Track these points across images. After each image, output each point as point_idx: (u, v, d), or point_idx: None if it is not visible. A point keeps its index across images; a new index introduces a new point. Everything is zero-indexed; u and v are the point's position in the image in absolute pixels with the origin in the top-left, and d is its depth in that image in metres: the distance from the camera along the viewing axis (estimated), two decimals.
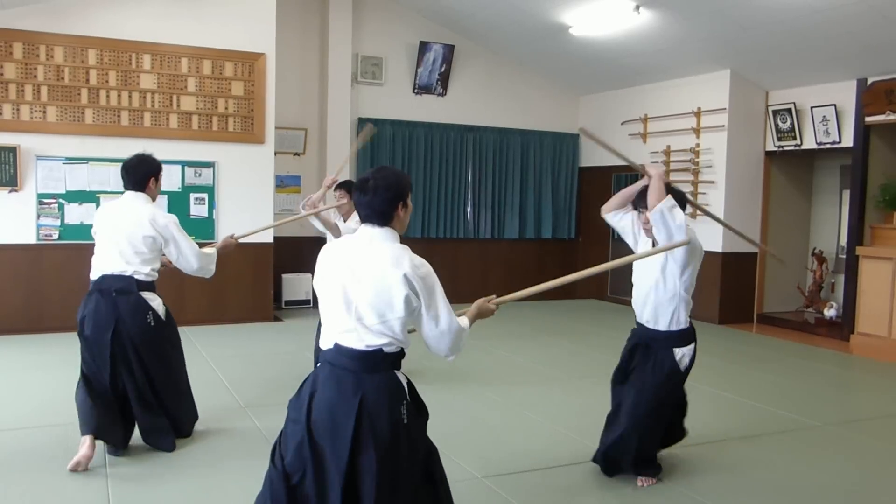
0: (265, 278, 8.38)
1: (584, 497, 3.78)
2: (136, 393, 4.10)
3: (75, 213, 7.57)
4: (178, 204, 7.83)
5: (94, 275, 4.13)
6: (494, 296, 2.99)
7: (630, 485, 3.91)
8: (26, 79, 7.36)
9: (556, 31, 8.85)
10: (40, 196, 7.46)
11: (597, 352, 7.35)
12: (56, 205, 7.52)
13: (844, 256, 8.42)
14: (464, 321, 2.77)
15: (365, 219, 2.68)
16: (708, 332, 8.51)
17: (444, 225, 10.14)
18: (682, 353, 3.82)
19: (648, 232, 3.82)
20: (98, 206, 7.62)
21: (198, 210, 7.96)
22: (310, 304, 9.41)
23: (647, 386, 3.82)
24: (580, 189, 11.20)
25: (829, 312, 8.65)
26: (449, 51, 9.96)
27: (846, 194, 8.61)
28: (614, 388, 4.12)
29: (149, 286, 4.16)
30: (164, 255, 4.25)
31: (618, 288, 10.83)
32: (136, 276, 4.08)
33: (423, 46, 9.82)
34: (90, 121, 7.58)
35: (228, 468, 4.02)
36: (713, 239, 9.16)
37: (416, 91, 10.02)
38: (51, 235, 7.51)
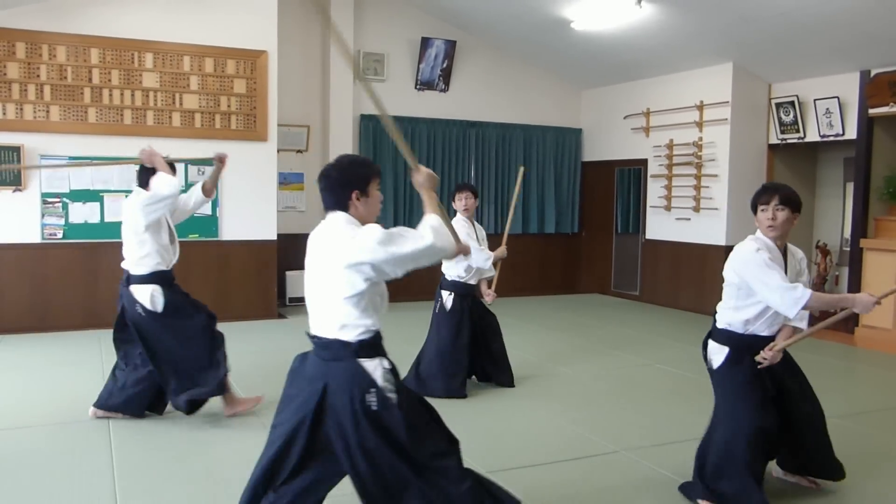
0: (269, 275, 8.40)
1: (589, 492, 3.79)
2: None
3: (79, 213, 7.59)
4: None
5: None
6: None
7: (632, 479, 3.92)
8: (29, 78, 7.37)
9: (558, 25, 8.83)
10: (44, 195, 7.48)
11: (601, 346, 7.35)
12: (60, 204, 7.54)
13: (848, 249, 8.40)
14: (428, 223, 2.71)
15: (324, 206, 2.76)
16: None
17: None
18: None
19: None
20: (102, 205, 7.66)
21: (201, 208, 7.95)
22: None
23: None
24: (583, 183, 11.19)
25: None
26: (451, 46, 9.95)
27: (850, 187, 8.59)
28: None
29: (141, 279, 4.47)
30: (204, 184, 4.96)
31: (621, 282, 10.83)
32: (129, 270, 4.51)
33: (425, 42, 9.81)
34: (93, 120, 7.60)
35: (236, 466, 4.04)
36: (717, 233, 9.16)
37: (418, 87, 10.01)
38: (55, 235, 7.52)
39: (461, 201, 5.55)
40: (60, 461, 4.02)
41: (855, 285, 7.94)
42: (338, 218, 2.69)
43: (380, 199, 2.82)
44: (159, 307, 4.46)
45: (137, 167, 4.68)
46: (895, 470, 4.16)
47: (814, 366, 6.65)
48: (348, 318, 2.62)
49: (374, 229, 2.60)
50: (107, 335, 7.30)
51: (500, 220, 10.58)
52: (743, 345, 3.55)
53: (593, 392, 5.67)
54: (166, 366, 4.52)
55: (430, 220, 2.72)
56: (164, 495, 3.63)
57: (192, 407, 4.62)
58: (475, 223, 5.66)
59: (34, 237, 7.47)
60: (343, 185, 2.71)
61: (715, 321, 3.68)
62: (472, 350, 5.53)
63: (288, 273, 9.27)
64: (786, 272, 3.47)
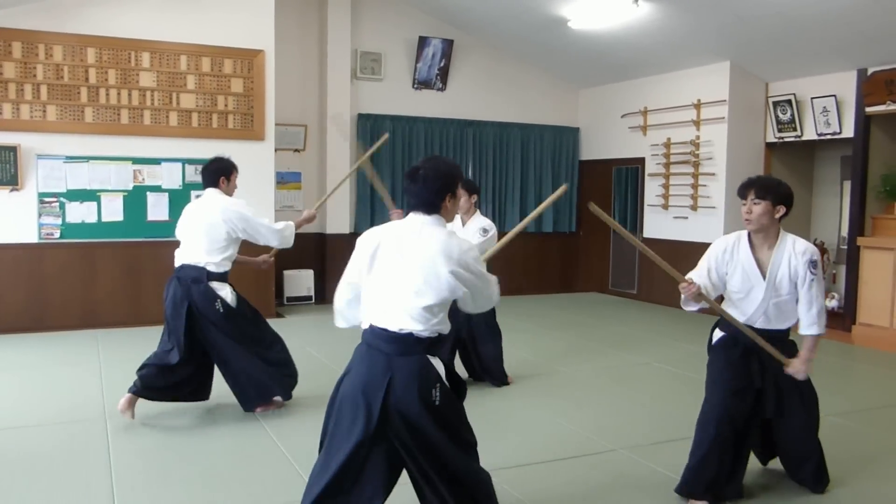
0: (267, 274, 8.38)
1: (589, 491, 3.79)
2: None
3: (76, 212, 7.58)
4: (179, 201, 7.82)
5: (176, 263, 4.70)
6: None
7: (631, 477, 3.92)
8: (26, 78, 7.36)
9: (555, 24, 8.83)
10: (41, 195, 7.47)
11: (599, 344, 7.36)
12: (57, 204, 7.52)
13: (846, 247, 8.41)
14: (494, 280, 2.88)
15: (413, 207, 2.78)
16: (710, 324, 8.51)
17: None
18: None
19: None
20: (99, 204, 7.65)
21: None
22: (311, 301, 9.42)
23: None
24: (580, 182, 11.20)
25: (831, 303, 8.65)
26: (448, 45, 9.95)
27: (847, 185, 8.60)
28: None
29: (220, 276, 4.64)
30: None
31: (618, 281, 10.84)
32: (207, 268, 4.58)
33: (422, 41, 9.81)
34: (90, 119, 7.58)
35: (235, 466, 4.04)
36: (714, 231, 9.16)
37: (415, 86, 10.01)
38: (52, 234, 7.51)
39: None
40: (58, 461, 4.02)
41: (852, 283, 7.95)
42: (433, 221, 2.75)
43: (460, 199, 2.97)
44: (234, 304, 4.68)
45: (201, 167, 4.92)
46: (893, 467, 4.17)
47: (812, 364, 6.68)
48: (429, 316, 2.67)
49: (475, 248, 2.77)
50: (104, 334, 7.35)
51: (499, 219, 10.57)
52: (735, 330, 3.58)
53: (591, 391, 5.68)
54: (232, 362, 4.69)
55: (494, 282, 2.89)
56: (162, 495, 3.63)
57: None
58: (464, 219, 5.54)
59: (31, 237, 7.45)
60: (439, 189, 2.75)
61: None
62: (462, 352, 5.64)
63: (286, 272, 9.26)
64: (764, 268, 3.51)
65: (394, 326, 2.68)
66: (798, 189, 9.57)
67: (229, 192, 4.81)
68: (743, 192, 3.56)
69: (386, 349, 2.68)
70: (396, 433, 2.66)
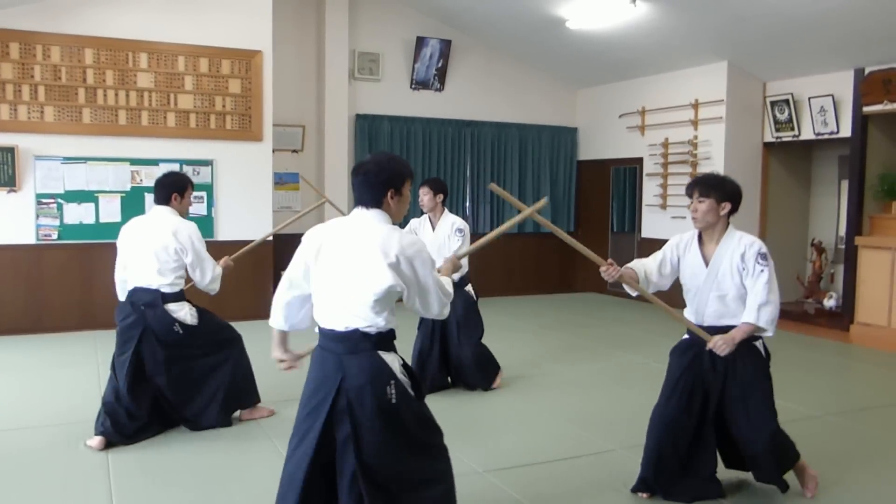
0: (265, 276, 8.38)
1: (588, 491, 3.79)
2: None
3: (74, 213, 7.57)
4: None
5: (122, 284, 4.51)
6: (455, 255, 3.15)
7: (629, 477, 3.92)
8: (23, 79, 7.35)
9: (553, 24, 8.83)
10: (39, 196, 7.46)
11: (597, 344, 7.35)
12: (55, 205, 7.52)
13: (843, 246, 8.42)
14: (447, 282, 2.81)
15: (357, 200, 2.73)
16: None
17: None
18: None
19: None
20: (97, 205, 7.64)
21: (196, 208, 7.94)
22: None
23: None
24: (579, 182, 11.20)
25: (829, 303, 8.66)
26: (446, 46, 9.95)
27: (845, 184, 8.61)
28: None
29: (175, 297, 4.39)
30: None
31: (617, 281, 10.82)
32: (161, 289, 4.33)
33: (420, 42, 9.81)
34: (88, 120, 7.58)
35: (229, 466, 4.04)
36: None
37: (413, 86, 10.01)
38: (50, 235, 7.50)
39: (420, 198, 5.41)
40: (56, 463, 4.01)
41: (850, 283, 7.96)
42: (375, 216, 2.68)
43: (408, 199, 2.82)
44: (195, 320, 4.47)
45: (154, 182, 4.60)
46: (891, 466, 4.17)
47: (809, 363, 6.69)
48: (373, 312, 2.60)
49: (424, 247, 2.66)
50: (102, 336, 7.33)
51: (496, 220, 10.58)
52: (691, 334, 3.67)
53: (590, 391, 5.68)
54: (196, 382, 4.50)
55: (447, 284, 2.81)
56: (160, 498, 3.62)
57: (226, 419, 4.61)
58: (433, 220, 5.50)
59: (29, 238, 7.45)
60: (381, 182, 2.68)
61: None
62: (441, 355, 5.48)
63: (282, 274, 9.24)
64: (709, 262, 3.58)
65: (340, 325, 2.64)
66: (796, 189, 9.64)
67: (182, 210, 4.52)
68: (689, 190, 3.65)
69: (336, 349, 2.64)
70: (341, 432, 2.59)
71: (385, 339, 2.66)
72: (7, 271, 7.38)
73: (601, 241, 11.01)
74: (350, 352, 2.61)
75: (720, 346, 3.47)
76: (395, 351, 2.71)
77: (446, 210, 5.54)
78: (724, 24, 7.84)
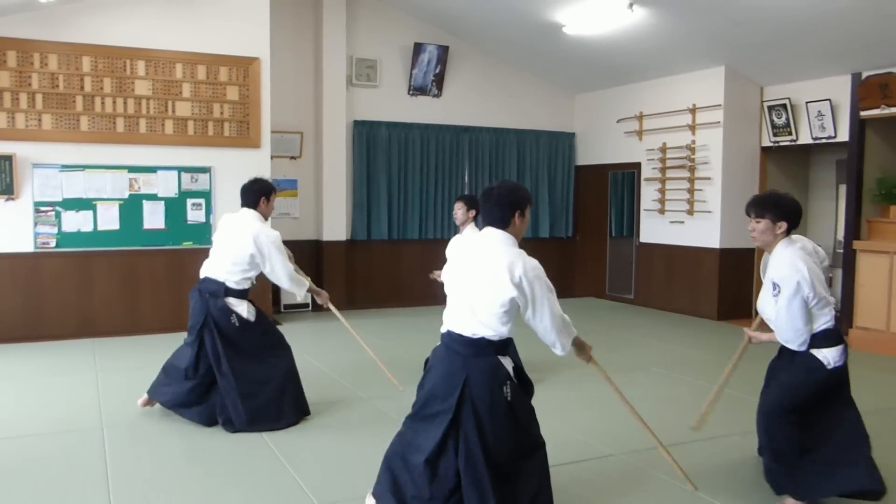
0: (265, 283, 8.34)
1: (586, 495, 3.78)
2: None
3: (72, 221, 7.56)
4: (175, 209, 7.83)
5: (201, 273, 4.94)
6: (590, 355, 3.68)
7: (629, 482, 3.91)
8: (21, 87, 7.35)
9: (550, 30, 8.85)
10: (37, 204, 7.45)
11: (596, 349, 7.32)
12: (53, 213, 7.51)
13: (842, 251, 8.43)
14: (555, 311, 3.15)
15: (487, 223, 3.15)
16: (707, 329, 8.51)
17: (441, 226, 10.12)
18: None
19: None
20: (95, 213, 7.63)
21: (195, 215, 7.95)
22: (308, 309, 9.41)
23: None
24: (577, 187, 11.21)
25: None
26: (443, 52, 9.97)
27: (842, 189, 8.62)
28: None
29: (238, 293, 4.79)
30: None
31: (615, 286, 10.84)
32: (226, 283, 4.75)
33: (418, 48, 9.82)
34: (86, 128, 7.58)
35: (232, 473, 4.03)
36: (710, 236, 9.18)
37: (411, 92, 10.02)
38: (48, 243, 7.49)
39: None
40: (55, 471, 4.00)
41: (849, 287, 7.96)
42: (499, 237, 3.09)
43: (528, 220, 3.23)
44: (253, 317, 4.82)
45: (243, 184, 4.99)
46: (890, 472, 4.16)
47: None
48: (497, 323, 3.03)
49: (543, 276, 3.07)
50: (101, 343, 7.33)
51: None
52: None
53: (589, 395, 5.67)
54: (238, 375, 4.71)
55: (568, 322, 3.30)
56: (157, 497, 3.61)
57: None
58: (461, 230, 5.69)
59: (27, 246, 7.44)
60: (511, 204, 3.10)
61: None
62: None
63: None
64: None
65: (467, 332, 3.06)
66: (793, 193, 9.52)
67: (266, 214, 4.94)
68: (747, 210, 3.73)
69: (461, 350, 3.07)
70: (466, 423, 3.02)
71: (504, 346, 3.10)
72: (5, 279, 7.37)
73: (600, 246, 11.02)
74: (475, 355, 3.05)
75: (750, 336, 3.93)
76: (511, 356, 3.16)
77: (473, 223, 5.69)
78: (721, 28, 7.86)
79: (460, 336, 3.08)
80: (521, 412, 3.11)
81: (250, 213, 4.87)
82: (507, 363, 3.10)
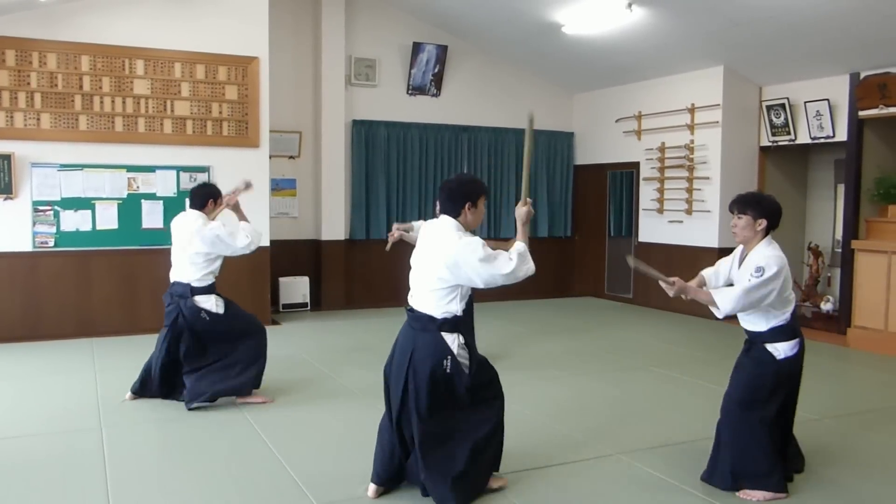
0: (263, 282, 8.37)
1: (587, 496, 3.78)
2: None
3: (71, 220, 7.56)
4: (173, 209, 7.81)
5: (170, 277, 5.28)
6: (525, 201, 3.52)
7: (628, 482, 3.92)
8: (19, 86, 7.35)
9: (549, 29, 8.85)
10: (35, 203, 7.45)
11: (594, 349, 7.36)
12: (51, 212, 7.50)
13: (840, 250, 8.44)
14: (517, 249, 3.33)
15: (442, 212, 3.45)
16: (706, 328, 8.52)
17: None
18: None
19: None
20: (93, 212, 7.63)
21: None
22: (307, 307, 9.41)
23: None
24: (576, 187, 11.22)
25: (826, 306, 8.67)
26: (442, 51, 9.97)
27: (841, 188, 8.63)
28: None
29: (204, 290, 5.12)
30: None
31: (614, 285, 10.85)
32: (191, 283, 5.09)
33: (417, 47, 9.82)
34: (84, 127, 7.57)
35: (230, 472, 4.03)
36: (709, 235, 9.19)
37: (409, 92, 10.02)
38: (46, 243, 7.49)
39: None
40: (53, 470, 4.00)
41: (847, 286, 7.97)
42: (449, 222, 3.40)
43: (483, 212, 3.48)
44: (222, 310, 5.17)
45: (191, 188, 5.40)
46: (888, 470, 4.17)
47: (806, 366, 6.65)
48: (438, 302, 3.36)
49: (477, 245, 3.24)
50: (99, 343, 7.33)
51: (494, 225, 10.59)
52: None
53: (587, 395, 5.67)
54: (215, 361, 5.15)
55: (518, 247, 3.36)
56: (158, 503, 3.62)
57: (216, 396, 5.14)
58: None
59: (25, 245, 7.43)
60: (461, 195, 3.39)
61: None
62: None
63: (281, 279, 9.25)
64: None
65: (418, 307, 3.42)
66: (792, 193, 9.65)
67: (212, 216, 5.23)
68: (730, 208, 3.94)
69: (414, 325, 3.42)
70: (410, 391, 3.38)
71: (448, 324, 3.36)
72: (3, 279, 7.36)
73: (599, 246, 11.03)
74: (422, 330, 3.38)
75: (670, 290, 4.01)
76: (461, 332, 3.40)
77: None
78: (719, 28, 7.86)
79: (412, 312, 3.45)
80: (459, 384, 3.38)
81: (193, 214, 5.19)
82: (452, 340, 3.37)
